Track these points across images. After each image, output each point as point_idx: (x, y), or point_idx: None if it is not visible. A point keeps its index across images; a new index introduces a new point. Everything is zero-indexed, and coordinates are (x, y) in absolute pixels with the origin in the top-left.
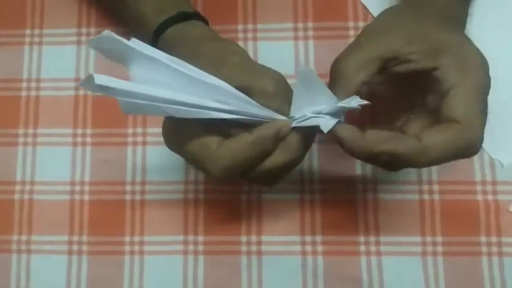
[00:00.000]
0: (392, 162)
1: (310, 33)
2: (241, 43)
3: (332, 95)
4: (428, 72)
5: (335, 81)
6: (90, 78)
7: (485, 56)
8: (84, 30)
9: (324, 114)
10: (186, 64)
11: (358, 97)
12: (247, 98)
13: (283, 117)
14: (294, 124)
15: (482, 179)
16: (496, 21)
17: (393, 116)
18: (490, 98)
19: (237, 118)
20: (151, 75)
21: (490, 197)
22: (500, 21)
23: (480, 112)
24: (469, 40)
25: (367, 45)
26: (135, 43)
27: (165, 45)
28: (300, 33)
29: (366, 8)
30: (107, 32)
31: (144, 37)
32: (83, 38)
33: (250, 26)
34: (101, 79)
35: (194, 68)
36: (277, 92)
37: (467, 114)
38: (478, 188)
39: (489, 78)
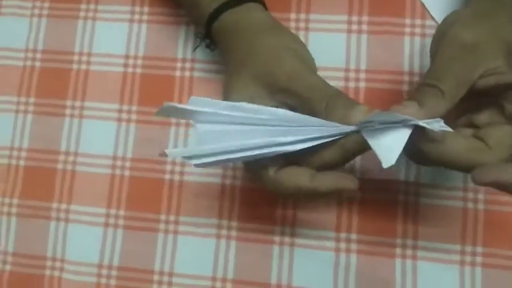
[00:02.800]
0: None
1: (364, 27)
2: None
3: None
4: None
5: (431, 101)
6: (165, 155)
7: None
8: (137, 8)
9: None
10: (243, 105)
11: (442, 121)
12: (310, 118)
13: (351, 128)
14: (363, 132)
15: None
16: None
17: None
18: None
19: (305, 146)
20: (215, 129)
21: None
22: None
23: None
24: None
25: (460, 66)
26: (193, 102)
27: (220, 33)
28: (354, 27)
29: (424, 6)
30: (166, 104)
31: (198, 22)
32: (136, 17)
33: (303, 16)
34: (176, 153)
35: (251, 107)
36: (332, 107)
37: None
38: None
39: None
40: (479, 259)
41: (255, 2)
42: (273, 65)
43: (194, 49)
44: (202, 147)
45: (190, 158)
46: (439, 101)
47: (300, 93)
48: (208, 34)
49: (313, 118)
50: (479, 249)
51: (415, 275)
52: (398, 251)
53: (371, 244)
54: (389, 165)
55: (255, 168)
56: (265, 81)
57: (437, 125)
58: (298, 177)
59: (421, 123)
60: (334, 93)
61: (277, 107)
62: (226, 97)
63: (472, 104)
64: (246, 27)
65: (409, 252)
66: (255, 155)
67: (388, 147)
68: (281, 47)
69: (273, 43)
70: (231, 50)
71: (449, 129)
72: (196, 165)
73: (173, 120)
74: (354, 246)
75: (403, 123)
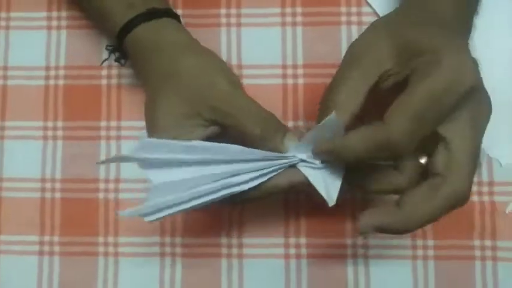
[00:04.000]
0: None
1: (299, 18)
2: (224, 29)
3: None
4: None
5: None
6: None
7: (482, 56)
8: (54, 13)
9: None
10: (195, 144)
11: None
12: (257, 152)
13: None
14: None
15: (479, 179)
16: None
17: None
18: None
19: (255, 184)
20: (169, 179)
21: (486, 198)
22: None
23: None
24: (461, 45)
25: (351, 75)
26: (142, 145)
27: (134, 47)
28: (288, 19)
29: None
30: (116, 156)
31: (109, 33)
32: (54, 23)
33: (233, 11)
34: (128, 214)
35: (204, 146)
36: (266, 134)
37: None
38: (474, 188)
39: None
40: (430, 252)
41: (170, 16)
42: (202, 85)
43: (102, 62)
44: (154, 203)
45: (144, 215)
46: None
47: (234, 115)
48: (119, 47)
49: (259, 151)
50: (430, 242)
51: (367, 274)
52: (349, 251)
53: (321, 247)
54: (333, 204)
55: None
56: (195, 100)
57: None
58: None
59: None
60: (267, 118)
61: (206, 126)
62: (151, 117)
63: None
64: (166, 46)
65: (360, 251)
66: (210, 200)
67: (329, 185)
68: (207, 67)
69: (197, 63)
70: (150, 69)
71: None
72: (151, 221)
73: (103, 132)
74: (303, 250)
75: None
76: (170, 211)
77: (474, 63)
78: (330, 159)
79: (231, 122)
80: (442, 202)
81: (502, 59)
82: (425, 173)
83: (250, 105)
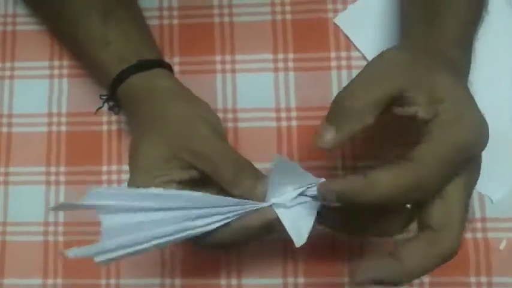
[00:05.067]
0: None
1: (291, 64)
2: (219, 75)
3: (310, 176)
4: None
5: (342, 117)
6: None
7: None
8: (56, 63)
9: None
10: (152, 192)
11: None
12: (224, 198)
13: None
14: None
15: (471, 216)
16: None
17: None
18: None
19: (217, 225)
20: (124, 221)
21: (479, 235)
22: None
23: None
24: (472, 98)
25: (378, 82)
26: (94, 196)
27: (126, 96)
28: (280, 64)
29: (348, 38)
30: (65, 203)
31: (103, 84)
32: (56, 71)
33: (228, 57)
34: (76, 253)
35: (160, 193)
36: (239, 179)
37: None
38: (467, 225)
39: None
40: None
41: (162, 67)
42: (185, 129)
43: (96, 111)
44: (105, 243)
45: (94, 255)
46: (354, 119)
47: (213, 159)
48: (113, 96)
49: (229, 198)
50: (426, 279)
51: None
52: None
53: (319, 286)
54: (301, 244)
55: None
56: (176, 143)
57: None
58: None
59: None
60: (243, 164)
61: (185, 169)
62: (132, 157)
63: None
64: (156, 93)
65: None
66: (167, 242)
67: (299, 227)
68: (193, 114)
69: (184, 110)
70: (139, 114)
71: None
72: (100, 263)
73: (104, 177)
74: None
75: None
76: (124, 251)
77: (486, 122)
78: (341, 201)
79: (208, 167)
80: (438, 259)
81: (498, 95)
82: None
83: (228, 151)
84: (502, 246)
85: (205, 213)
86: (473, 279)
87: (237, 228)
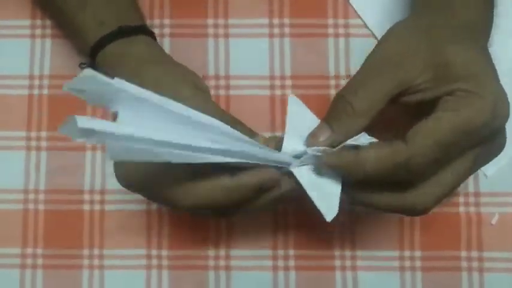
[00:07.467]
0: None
1: (287, 30)
2: (211, 40)
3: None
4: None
5: (342, 119)
6: (71, 121)
7: None
8: (39, 22)
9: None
10: (176, 103)
11: (366, 134)
12: (242, 136)
13: (285, 156)
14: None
15: (465, 190)
16: None
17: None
18: None
19: (233, 162)
20: (140, 117)
21: (472, 209)
22: None
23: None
24: (494, 70)
25: (377, 79)
26: (120, 83)
27: (104, 63)
28: (276, 30)
29: (348, 3)
30: (89, 71)
31: (82, 50)
32: (38, 31)
33: (221, 21)
34: (85, 122)
35: (184, 106)
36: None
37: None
38: (460, 199)
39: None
40: (418, 263)
41: (144, 33)
42: (166, 92)
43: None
44: (120, 127)
45: (104, 136)
46: (352, 120)
47: None
48: (93, 64)
49: (249, 139)
50: (417, 253)
51: (356, 286)
52: (337, 262)
53: (309, 259)
54: (333, 217)
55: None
56: None
57: (364, 139)
58: (218, 177)
59: (349, 142)
60: (234, 121)
61: None
62: None
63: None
64: (130, 59)
65: (348, 263)
66: (179, 156)
67: (327, 196)
68: (171, 76)
69: (160, 73)
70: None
71: (376, 140)
72: (111, 156)
73: (89, 144)
74: (291, 262)
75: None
76: (137, 145)
77: (505, 95)
78: (335, 173)
79: None
80: (396, 169)
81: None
82: None
83: (216, 109)
84: (494, 221)
85: (220, 140)
86: (464, 254)
87: (231, 185)
